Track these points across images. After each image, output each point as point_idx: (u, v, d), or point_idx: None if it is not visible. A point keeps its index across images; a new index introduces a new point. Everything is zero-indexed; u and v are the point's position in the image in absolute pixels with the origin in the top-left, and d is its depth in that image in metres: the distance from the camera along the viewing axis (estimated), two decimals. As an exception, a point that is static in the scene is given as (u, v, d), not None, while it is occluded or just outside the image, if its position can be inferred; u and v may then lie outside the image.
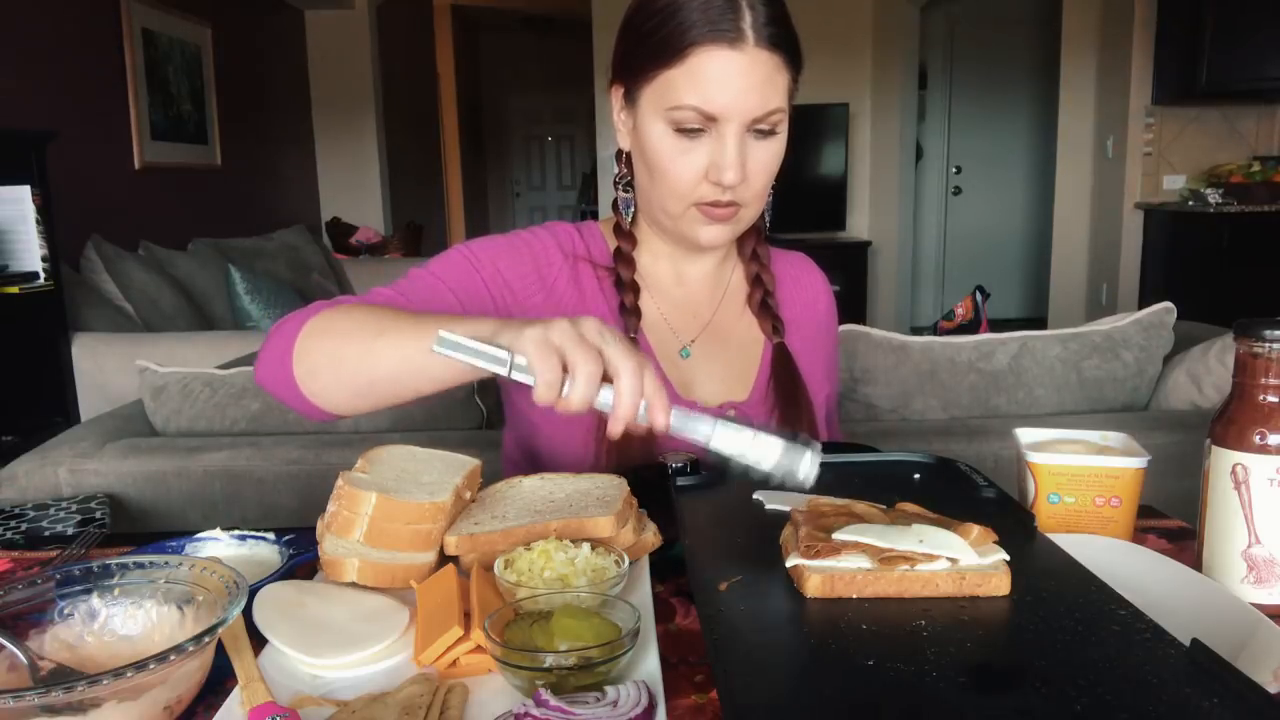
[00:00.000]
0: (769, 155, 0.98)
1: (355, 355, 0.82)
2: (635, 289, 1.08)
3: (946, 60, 7.07)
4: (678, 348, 1.10)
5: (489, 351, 0.69)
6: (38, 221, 2.86)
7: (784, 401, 1.08)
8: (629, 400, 0.67)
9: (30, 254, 2.86)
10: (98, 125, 3.82)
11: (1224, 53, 4.49)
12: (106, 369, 2.99)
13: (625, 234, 1.09)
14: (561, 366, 0.67)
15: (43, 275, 2.88)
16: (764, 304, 1.12)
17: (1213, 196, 4.61)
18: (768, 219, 1.10)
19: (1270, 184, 4.60)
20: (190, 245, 4.09)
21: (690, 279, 1.13)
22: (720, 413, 1.05)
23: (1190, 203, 4.74)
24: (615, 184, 1.09)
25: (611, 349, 0.68)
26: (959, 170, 7.22)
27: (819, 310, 1.20)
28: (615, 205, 1.10)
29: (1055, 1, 5.47)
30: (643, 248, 1.12)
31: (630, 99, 1.00)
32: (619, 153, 1.07)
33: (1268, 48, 4.48)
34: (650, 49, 0.95)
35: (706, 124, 0.94)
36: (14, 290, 2.79)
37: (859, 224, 6.24)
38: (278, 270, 4.37)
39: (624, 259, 1.08)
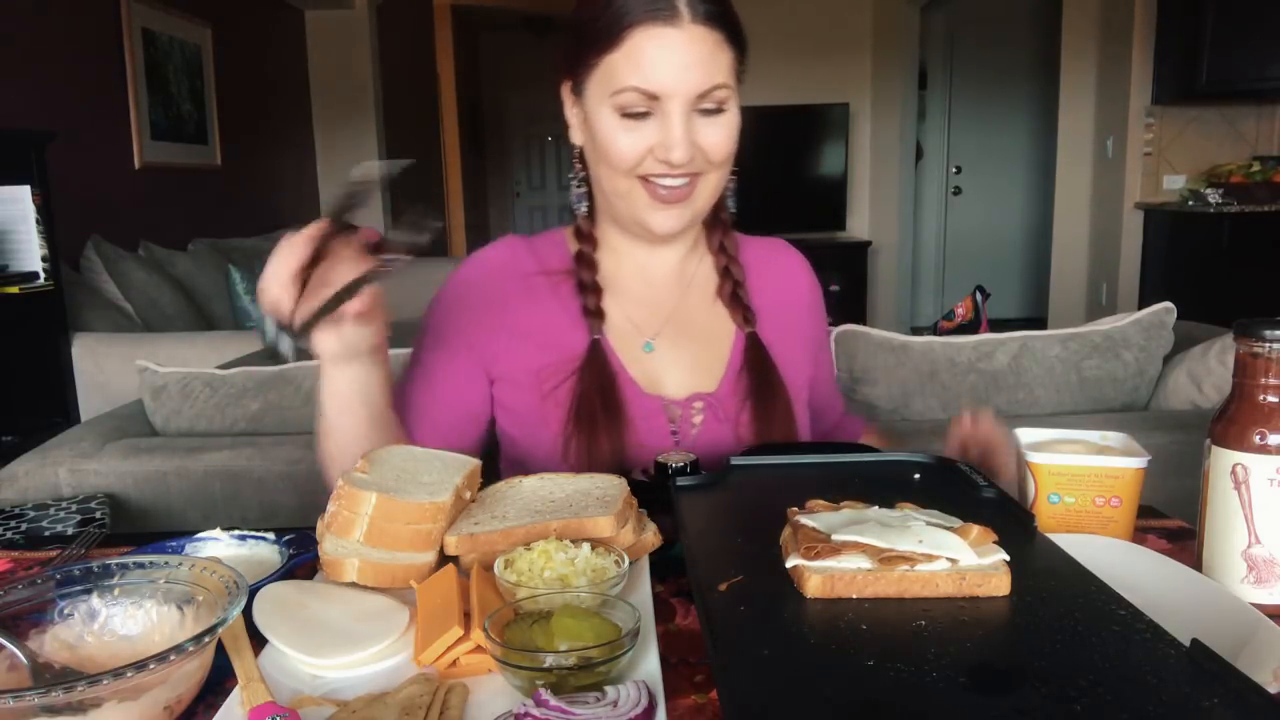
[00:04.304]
0: (719, 132, 0.98)
1: (326, 433, 0.97)
2: (597, 291, 1.08)
3: (946, 60, 7.07)
4: (640, 343, 1.10)
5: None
6: (38, 221, 2.86)
7: (757, 391, 1.08)
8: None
9: (30, 254, 2.86)
10: (98, 125, 3.82)
11: (1224, 53, 4.48)
12: (106, 369, 2.99)
13: (586, 236, 1.10)
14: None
15: (43, 275, 2.88)
16: (734, 295, 1.12)
17: (1213, 196, 4.61)
18: (731, 205, 1.11)
19: (1270, 184, 4.60)
20: (190, 245, 4.09)
21: (654, 275, 1.12)
22: (687, 405, 1.07)
23: (1190, 203, 4.74)
24: (570, 180, 1.10)
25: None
26: (959, 170, 7.22)
27: (797, 294, 1.18)
28: (572, 205, 1.11)
29: (1055, 1, 5.47)
30: (605, 249, 1.12)
31: (578, 91, 1.02)
32: (575, 150, 1.08)
33: (1268, 48, 4.48)
34: (591, 37, 0.97)
35: (650, 104, 0.95)
36: (14, 290, 2.79)
37: (859, 224, 6.24)
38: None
39: (585, 262, 1.09)
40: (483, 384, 1.09)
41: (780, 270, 1.18)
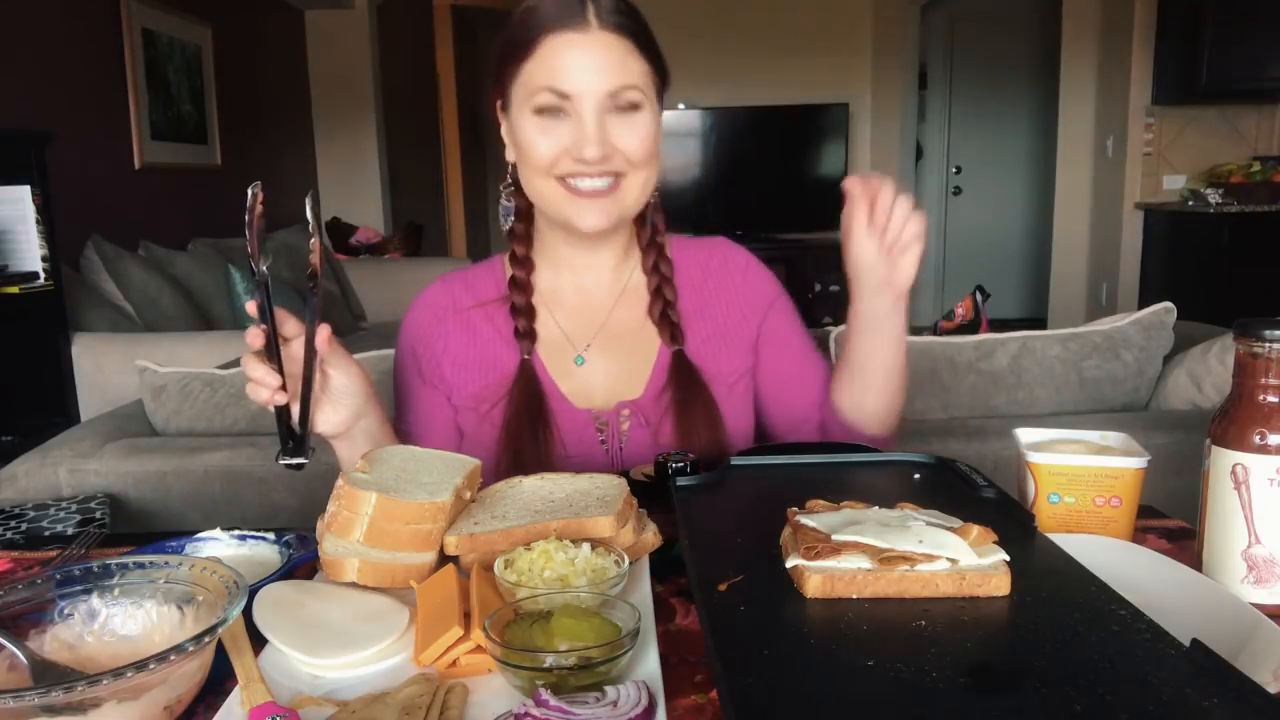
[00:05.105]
0: (635, 132, 1.02)
1: None
2: (528, 313, 1.12)
3: (946, 60, 7.07)
4: (572, 356, 1.13)
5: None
6: (38, 221, 2.85)
7: (680, 403, 1.10)
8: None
9: (30, 254, 2.86)
10: (98, 125, 3.82)
11: (1224, 53, 4.48)
12: (106, 369, 2.99)
13: (520, 260, 1.14)
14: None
15: (43, 275, 2.88)
16: (663, 314, 1.14)
17: (1213, 196, 4.61)
18: (660, 220, 1.14)
19: (1270, 184, 4.60)
20: (190, 245, 4.08)
21: (589, 285, 1.16)
22: (615, 414, 1.11)
23: (1190, 203, 4.74)
24: (500, 193, 1.14)
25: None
26: (959, 170, 7.22)
27: (731, 289, 1.18)
28: (510, 230, 1.15)
29: (1055, 1, 5.47)
30: (544, 263, 1.15)
31: (506, 107, 1.07)
32: (507, 169, 1.12)
33: (1268, 48, 4.48)
34: (510, 50, 1.03)
35: (564, 103, 1.00)
36: (14, 290, 2.78)
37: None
38: (278, 270, 4.36)
39: (517, 285, 1.13)
40: (453, 409, 1.15)
41: (715, 270, 1.19)
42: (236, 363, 1.97)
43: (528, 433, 1.07)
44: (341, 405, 0.94)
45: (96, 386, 3.00)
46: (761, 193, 6.03)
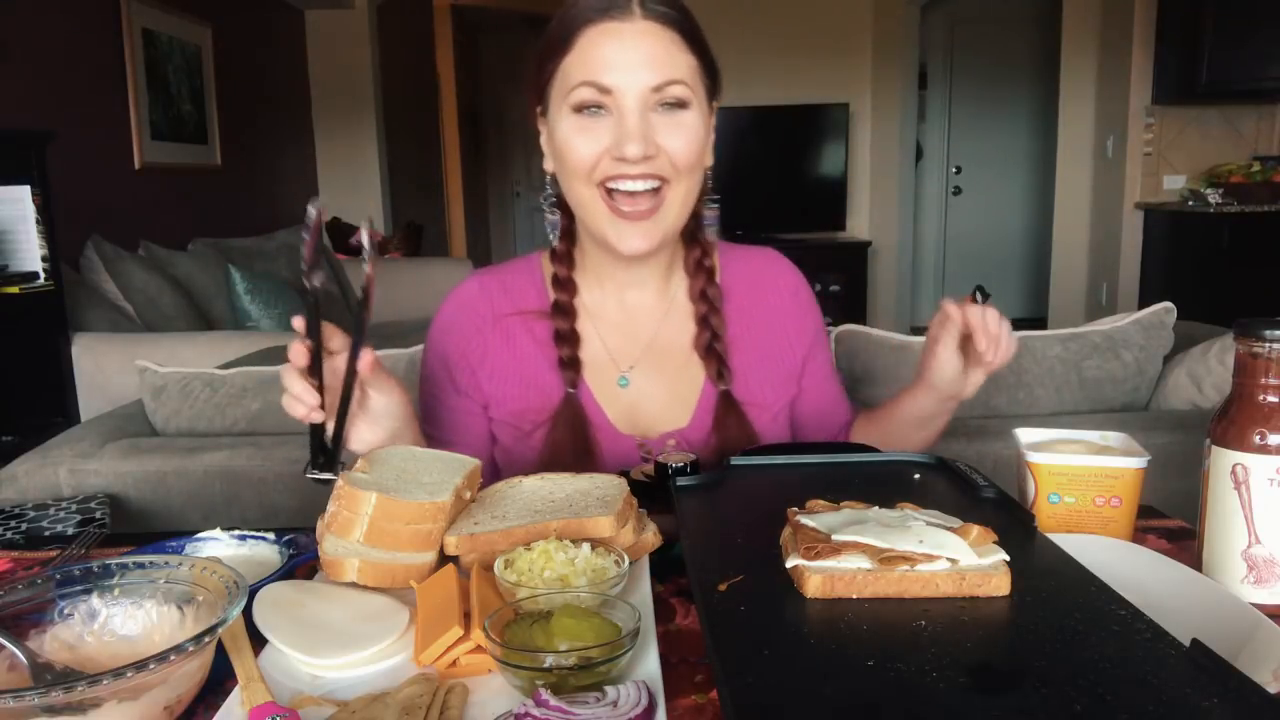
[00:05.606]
0: (681, 133, 0.96)
1: None
2: (572, 341, 1.06)
3: (946, 60, 7.07)
4: (616, 377, 1.09)
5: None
6: (38, 221, 2.85)
7: (723, 438, 1.07)
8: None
9: (30, 254, 2.86)
10: (98, 125, 3.82)
11: (1224, 53, 4.49)
12: (106, 369, 2.99)
13: (562, 283, 1.08)
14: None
15: (43, 275, 2.88)
16: (710, 348, 1.09)
17: (1213, 196, 4.61)
18: (709, 242, 1.09)
19: (1270, 184, 4.60)
20: (190, 245, 4.08)
21: (633, 303, 1.11)
22: (660, 443, 1.05)
23: (1190, 203, 4.74)
24: (541, 206, 1.09)
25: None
26: (959, 170, 7.22)
27: (780, 313, 1.14)
28: (553, 252, 1.11)
29: (1055, 1, 5.47)
30: (587, 278, 1.10)
31: (544, 110, 1.01)
32: (548, 178, 1.06)
33: (1268, 48, 4.48)
34: (549, 48, 0.97)
35: (604, 99, 0.94)
36: (14, 290, 2.78)
37: (859, 224, 6.23)
38: (278, 270, 4.37)
39: (561, 311, 1.07)
40: (487, 419, 1.11)
41: (762, 285, 1.15)
42: (237, 363, 1.97)
43: (570, 465, 1.02)
44: (379, 426, 0.91)
45: (96, 386, 3.00)
46: (761, 193, 6.04)
